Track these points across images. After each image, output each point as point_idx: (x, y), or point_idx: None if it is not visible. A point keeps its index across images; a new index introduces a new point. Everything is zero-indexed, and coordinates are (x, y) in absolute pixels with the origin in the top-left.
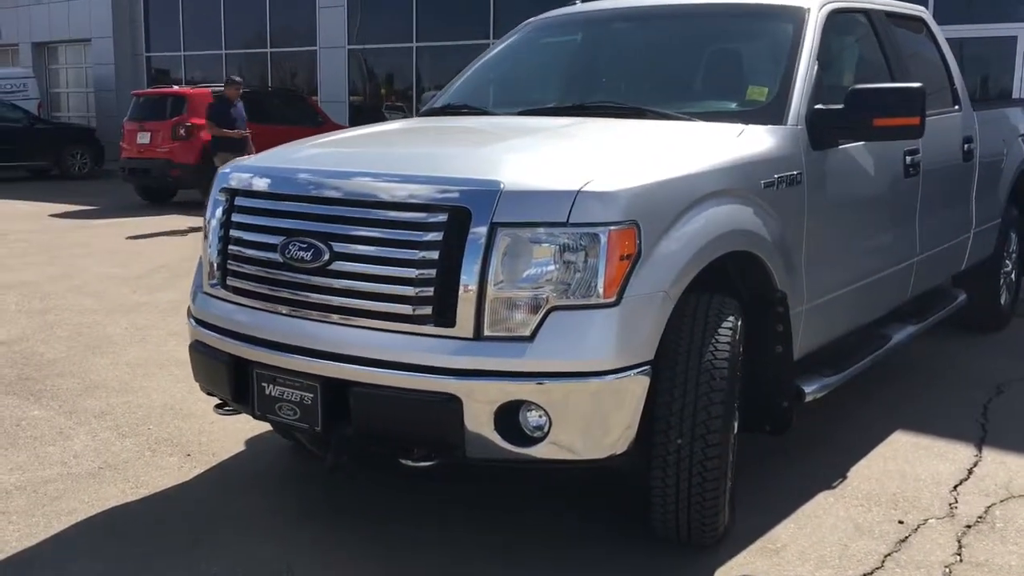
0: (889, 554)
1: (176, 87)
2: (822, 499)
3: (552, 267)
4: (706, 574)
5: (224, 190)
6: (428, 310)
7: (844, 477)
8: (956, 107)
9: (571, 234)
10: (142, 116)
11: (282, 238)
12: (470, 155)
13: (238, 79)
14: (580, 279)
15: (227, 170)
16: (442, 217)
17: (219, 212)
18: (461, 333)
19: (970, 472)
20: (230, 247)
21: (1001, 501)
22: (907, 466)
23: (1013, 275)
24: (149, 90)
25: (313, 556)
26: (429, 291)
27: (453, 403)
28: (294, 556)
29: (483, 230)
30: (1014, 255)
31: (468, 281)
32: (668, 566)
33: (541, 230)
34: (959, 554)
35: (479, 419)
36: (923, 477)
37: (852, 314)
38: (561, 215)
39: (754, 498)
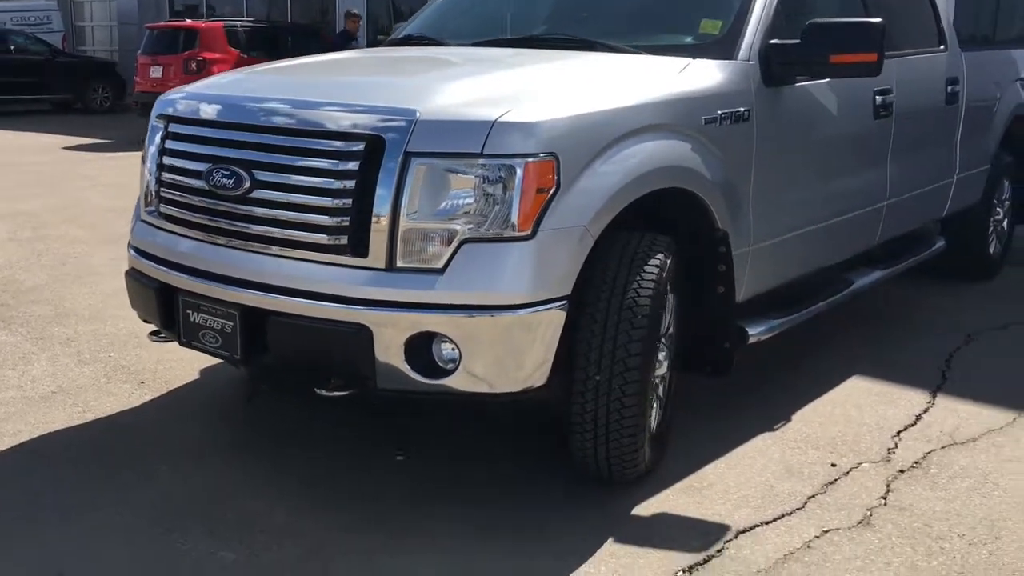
0: (813, 495)
1: (189, 21)
2: (760, 441)
3: (466, 199)
4: (624, 509)
5: (160, 116)
6: (344, 240)
7: (787, 420)
8: (941, 47)
9: (486, 165)
10: (155, 50)
11: (208, 165)
12: (394, 84)
13: (355, 12)
14: (494, 212)
15: (165, 96)
16: (359, 146)
17: (156, 138)
18: (374, 264)
19: (918, 419)
20: (163, 174)
21: (942, 447)
22: (855, 411)
23: (1005, 224)
24: (162, 24)
25: (238, 486)
26: (345, 221)
27: (363, 333)
28: (222, 485)
29: (397, 160)
30: (1007, 203)
31: (381, 212)
32: (587, 502)
33: (456, 161)
34: (884, 498)
35: (389, 350)
36: (868, 422)
37: (807, 257)
38: (476, 146)
39: (691, 438)
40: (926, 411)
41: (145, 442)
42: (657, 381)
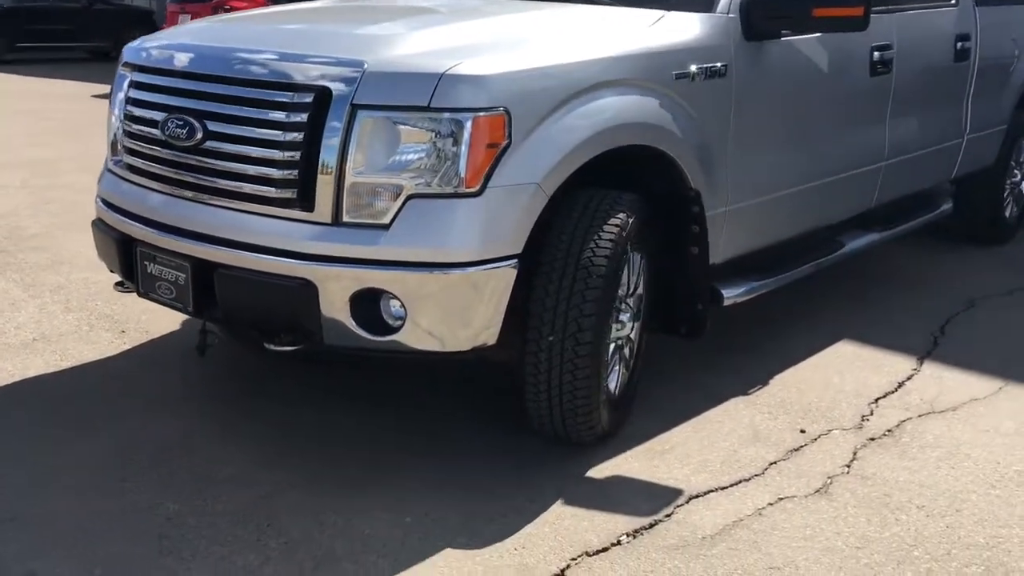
0: (775, 462)
1: None
2: (731, 405)
3: (413, 153)
4: (579, 471)
5: (126, 64)
6: (292, 194)
7: (764, 384)
8: (951, 1)
9: (433, 119)
10: None
11: (164, 115)
12: (348, 34)
13: None
14: (441, 167)
15: (131, 44)
16: (307, 98)
17: (122, 87)
18: (320, 218)
19: (900, 386)
20: (127, 124)
21: (919, 416)
22: (836, 376)
23: (1023, 186)
24: None
25: (202, 436)
26: (293, 175)
27: (309, 289)
28: (187, 435)
29: (343, 112)
30: None
31: (327, 165)
32: (543, 463)
33: (403, 114)
34: (848, 466)
35: (335, 306)
36: (847, 388)
37: (792, 220)
38: (423, 99)
39: (661, 401)
40: (910, 378)
41: (116, 391)
42: (620, 343)
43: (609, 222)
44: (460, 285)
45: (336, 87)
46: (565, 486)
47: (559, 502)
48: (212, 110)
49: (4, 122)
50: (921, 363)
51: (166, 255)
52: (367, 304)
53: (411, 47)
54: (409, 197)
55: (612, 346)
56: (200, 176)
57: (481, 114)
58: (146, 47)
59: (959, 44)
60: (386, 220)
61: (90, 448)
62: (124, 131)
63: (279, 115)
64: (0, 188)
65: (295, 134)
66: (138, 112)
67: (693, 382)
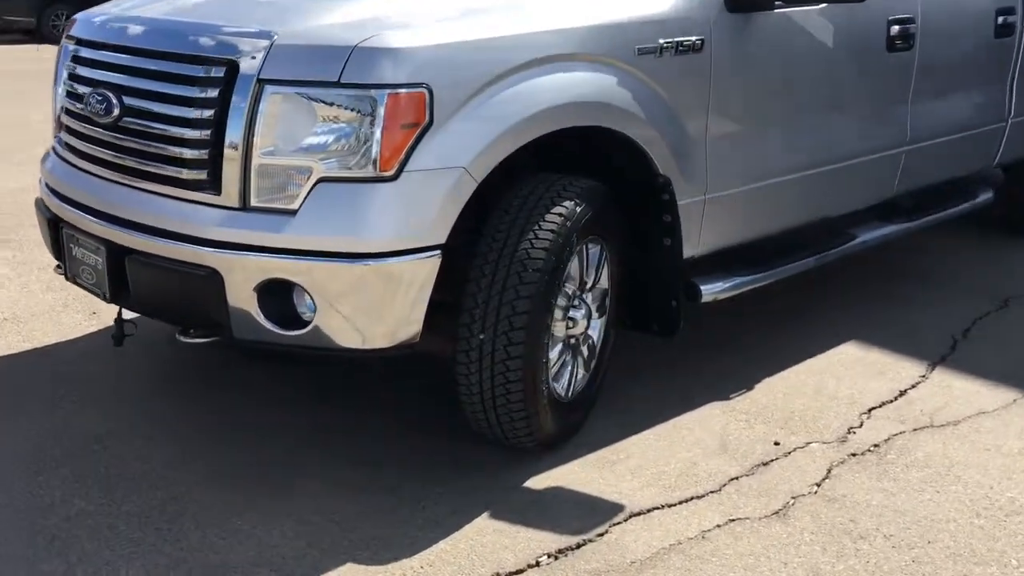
0: (737, 477)
1: None
2: (705, 410)
3: (322, 133)
4: (517, 480)
5: (68, 37)
6: (203, 175)
7: (748, 389)
8: None
9: (344, 96)
10: None
11: (88, 89)
12: (265, 2)
13: None
14: (352, 148)
15: (77, 15)
16: (218, 72)
17: (63, 59)
18: (227, 202)
19: (901, 394)
20: (63, 99)
21: (913, 430)
22: (832, 382)
23: None
24: None
25: (131, 428)
26: (204, 154)
27: (215, 278)
28: (117, 427)
29: (249, 87)
30: None
31: (233, 145)
32: (481, 469)
33: (312, 90)
34: (818, 485)
35: (241, 297)
36: (841, 395)
37: (788, 209)
38: (333, 74)
39: (629, 403)
40: (914, 386)
41: (61, 377)
42: (575, 341)
43: (552, 211)
44: (372, 278)
45: (244, 60)
46: (496, 497)
47: (485, 515)
48: (128, 84)
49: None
50: (932, 370)
51: (86, 238)
52: (275, 296)
53: (327, 17)
54: (319, 181)
55: (560, 345)
56: (118, 154)
57: (397, 91)
58: (83, 19)
59: (1001, 19)
60: (294, 206)
61: (12, 437)
62: (62, 107)
63: (191, 90)
64: (16, 165)
65: (206, 111)
66: (72, 86)
67: (669, 385)
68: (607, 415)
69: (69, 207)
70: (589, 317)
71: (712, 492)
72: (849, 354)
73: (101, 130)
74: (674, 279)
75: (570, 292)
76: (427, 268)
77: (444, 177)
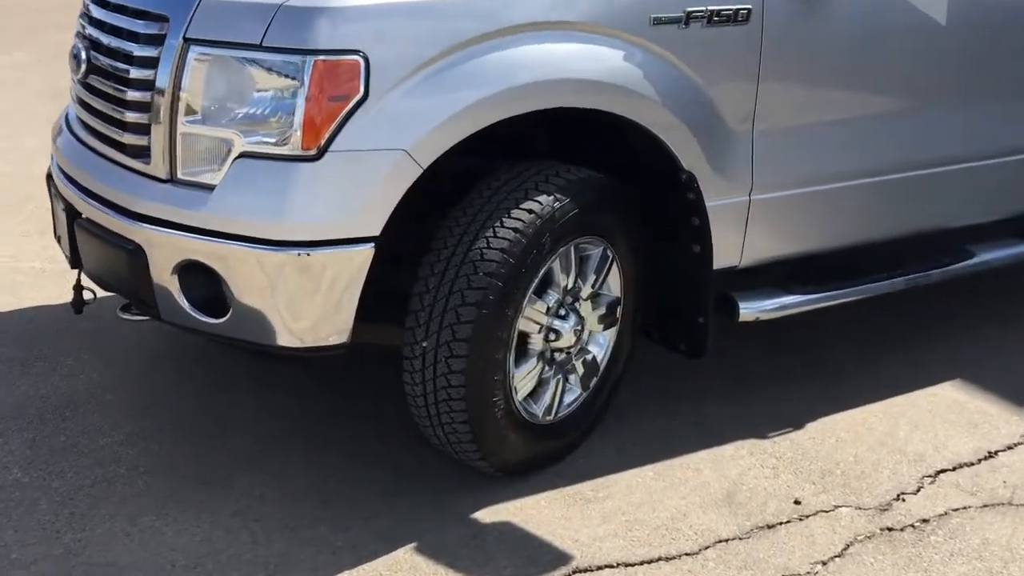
0: (726, 540)
1: None
2: (729, 449)
3: (244, 102)
4: (462, 510)
5: None
6: (143, 141)
7: (796, 427)
8: None
9: (267, 60)
10: None
11: (77, 45)
12: None
13: None
14: (274, 120)
15: None
16: (156, 28)
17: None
18: (156, 172)
19: (989, 456)
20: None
21: (983, 506)
22: (905, 429)
23: None
24: None
25: (134, 396)
26: (143, 118)
27: (140, 254)
28: (86, 396)
29: (175, 47)
30: None
31: (159, 110)
32: (432, 492)
33: (235, 52)
34: (823, 564)
35: (164, 277)
36: (910, 449)
37: (868, 219)
38: (255, 35)
39: (637, 431)
40: (1010, 448)
41: (79, 334)
42: (558, 356)
43: (521, 206)
44: (289, 269)
45: (176, 16)
46: (433, 527)
47: (410, 547)
48: (95, 38)
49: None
50: None
51: (58, 199)
52: (196, 279)
53: None
54: (240, 155)
55: (534, 360)
56: (84, 112)
57: (324, 57)
58: None
59: None
60: (215, 180)
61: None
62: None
63: (134, 47)
64: None
65: (145, 71)
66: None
67: (694, 412)
68: (607, 441)
69: (54, 166)
70: (582, 329)
71: (687, 555)
72: (942, 397)
73: (79, 87)
74: (702, 292)
75: (552, 300)
76: (355, 263)
77: (379, 160)
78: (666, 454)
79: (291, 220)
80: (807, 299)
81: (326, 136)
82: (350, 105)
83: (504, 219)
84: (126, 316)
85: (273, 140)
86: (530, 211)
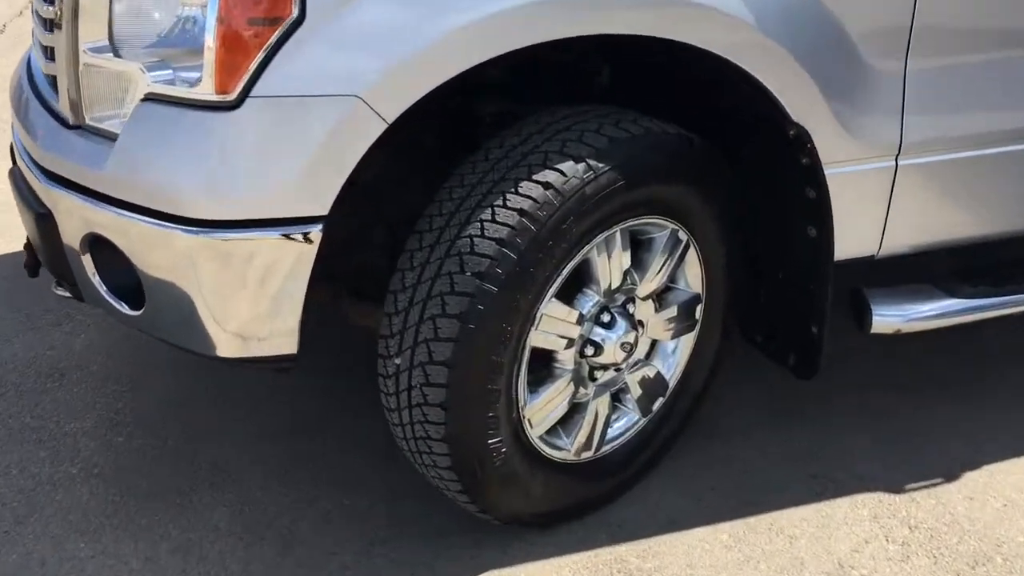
0: None
1: None
2: (846, 510)
3: (147, 23)
4: (449, 568)
5: None
6: (54, 71)
7: (941, 480)
8: None
9: None
10: None
11: None
12: None
13: None
14: (181, 52)
15: None
16: None
17: None
18: (64, 114)
19: None
20: None
21: None
22: None
23: None
24: None
25: (126, 373)
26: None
27: (49, 221)
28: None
29: None
30: None
31: (64, 35)
32: (421, 529)
33: None
34: None
35: (74, 249)
36: None
37: None
38: None
39: (724, 476)
40: None
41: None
42: (603, 377)
43: (533, 177)
44: (200, 256)
45: None
46: None
47: None
48: None
49: None
50: None
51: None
52: (108, 257)
53: None
54: (145, 98)
55: (564, 382)
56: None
57: None
58: None
59: None
60: (118, 130)
61: None
62: None
63: None
64: None
65: None
66: None
67: (792, 449)
68: (668, 485)
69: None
70: (636, 340)
71: None
72: None
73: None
74: (818, 292)
75: (590, 304)
76: (293, 251)
77: (323, 110)
78: (748, 509)
79: (201, 191)
80: (978, 305)
81: (246, 75)
82: (279, 31)
83: (508, 195)
84: (60, 292)
85: (180, 79)
86: (546, 184)
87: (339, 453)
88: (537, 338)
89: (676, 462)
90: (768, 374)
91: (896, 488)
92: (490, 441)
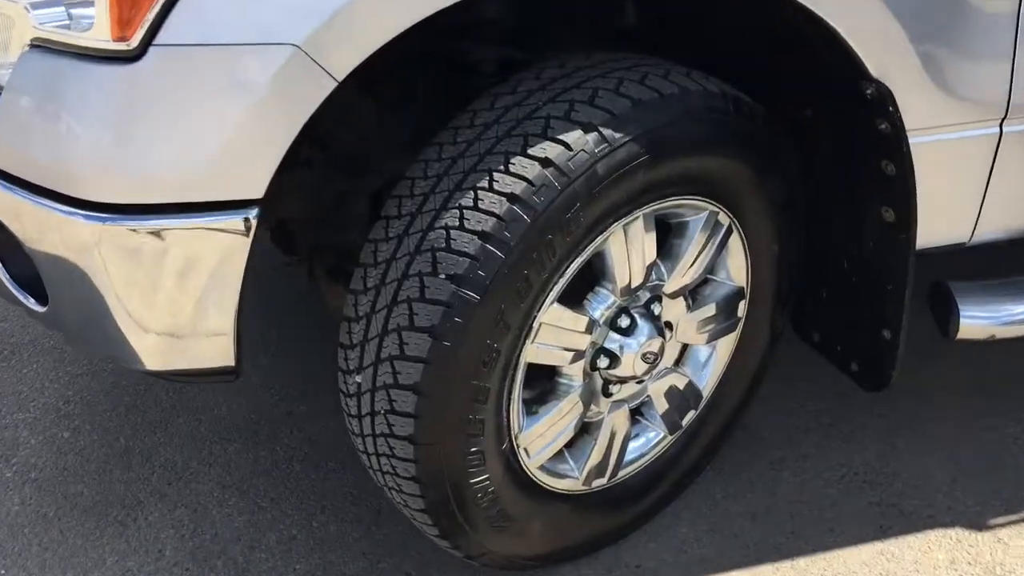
0: None
1: None
2: (893, 548)
3: None
4: None
5: None
6: None
7: (1018, 520)
8: None
9: None
10: None
11: None
12: None
13: None
14: None
15: None
16: None
17: None
18: None
19: None
20: None
21: None
22: None
23: None
24: None
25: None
26: None
27: None
28: None
29: None
30: None
31: None
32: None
33: None
34: None
35: None
36: None
37: None
38: None
39: (768, 507)
40: None
41: None
42: (618, 391)
43: (528, 152)
44: (102, 247)
45: None
46: None
47: None
48: None
49: None
50: None
51: None
52: (7, 241)
53: None
54: (32, 44)
55: (571, 401)
56: None
57: None
58: None
59: None
60: (4, 82)
61: None
62: None
63: None
64: None
65: None
66: None
67: (854, 474)
68: (699, 515)
69: None
70: (662, 347)
71: None
72: None
73: None
74: (893, 290)
75: (603, 308)
76: (221, 245)
77: (248, 62)
78: (796, 548)
79: (97, 167)
80: None
81: (147, 19)
82: None
83: (496, 174)
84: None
85: (70, 23)
86: (545, 161)
87: (309, 458)
88: (534, 353)
89: (707, 487)
90: (823, 377)
91: (978, 525)
92: (473, 481)
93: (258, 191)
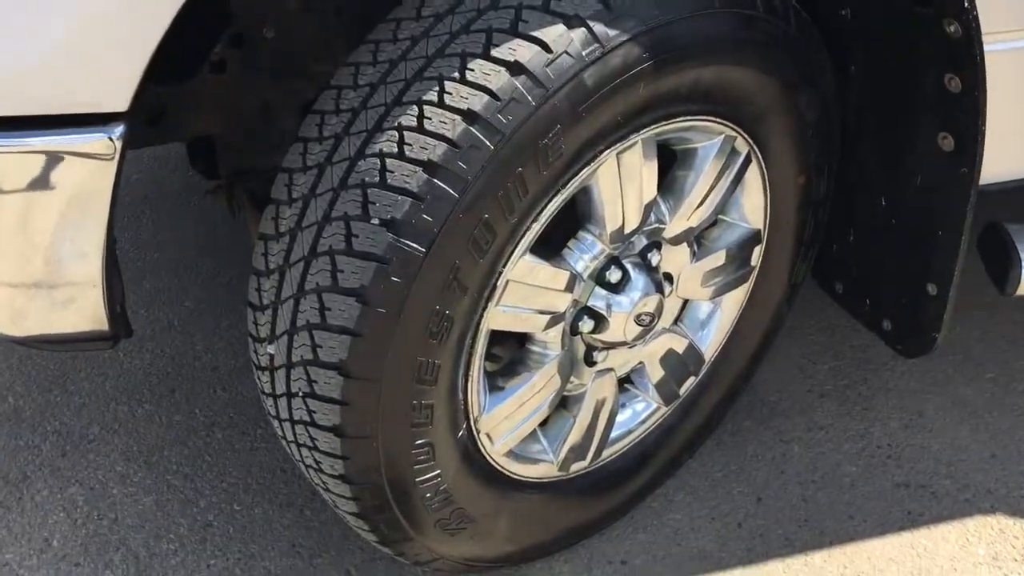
0: None
1: None
2: (925, 540)
3: None
4: None
5: None
6: None
7: None
8: None
9: None
10: None
11: None
12: None
13: None
14: None
15: None
16: None
17: None
18: None
19: None
20: None
21: None
22: None
23: None
24: None
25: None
26: None
27: None
28: None
29: None
30: None
31: None
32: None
33: None
34: None
35: None
36: None
37: None
38: None
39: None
40: None
41: None
42: (608, 356)
43: (491, 55)
44: None
45: None
46: None
47: None
48: None
49: None
50: None
51: None
52: None
53: None
54: None
55: (547, 374)
56: None
57: None
58: None
59: None
60: None
61: None
62: None
63: None
64: None
65: None
66: None
67: (883, 456)
68: (696, 499)
69: None
70: (661, 305)
71: None
72: None
73: None
74: (948, 234)
75: (586, 259)
76: (77, 171)
77: None
78: (811, 540)
79: None
80: None
81: None
82: None
83: (448, 84)
84: None
85: None
86: (514, 66)
87: (234, 423)
88: (499, 319)
89: (705, 464)
90: (839, 328)
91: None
92: (420, 480)
93: (121, 103)
